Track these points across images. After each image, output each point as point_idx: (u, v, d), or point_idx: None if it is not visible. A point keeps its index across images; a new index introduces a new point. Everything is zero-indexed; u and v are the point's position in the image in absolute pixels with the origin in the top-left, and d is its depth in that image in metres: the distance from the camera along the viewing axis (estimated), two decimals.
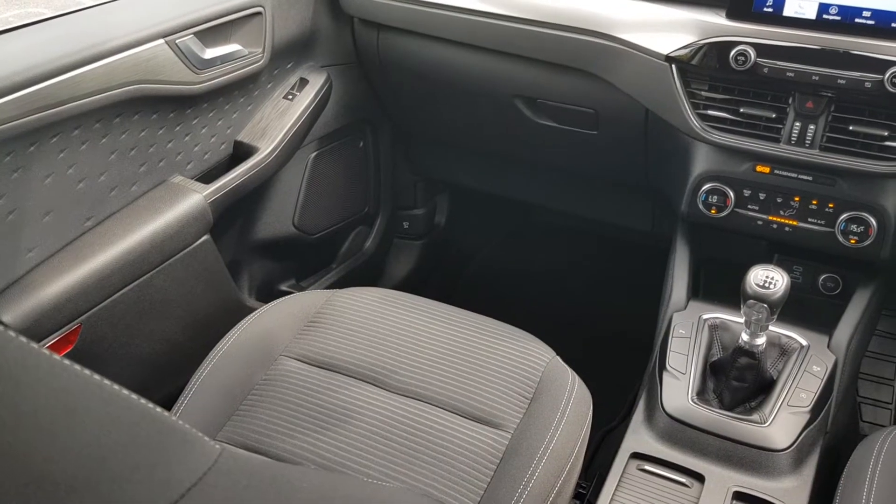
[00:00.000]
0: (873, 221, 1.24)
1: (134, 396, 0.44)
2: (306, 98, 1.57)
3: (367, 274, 2.00)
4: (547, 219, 2.26)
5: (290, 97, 1.55)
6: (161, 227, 1.28)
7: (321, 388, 1.14)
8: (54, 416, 0.39)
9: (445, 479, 1.01)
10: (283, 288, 1.77)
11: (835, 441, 1.24)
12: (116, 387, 0.43)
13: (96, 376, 0.43)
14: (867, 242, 1.26)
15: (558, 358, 1.20)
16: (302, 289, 1.80)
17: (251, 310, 1.30)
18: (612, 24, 1.36)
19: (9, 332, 0.39)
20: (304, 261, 1.83)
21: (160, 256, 1.29)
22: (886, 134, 1.18)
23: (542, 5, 1.43)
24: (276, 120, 1.52)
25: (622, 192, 1.76)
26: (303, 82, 1.58)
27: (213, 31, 1.33)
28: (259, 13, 1.41)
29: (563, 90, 1.49)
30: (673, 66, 1.29)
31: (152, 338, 1.33)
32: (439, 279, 2.19)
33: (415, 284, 2.04)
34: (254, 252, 1.66)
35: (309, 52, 1.61)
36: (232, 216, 1.54)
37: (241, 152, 1.49)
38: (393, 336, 1.21)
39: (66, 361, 0.41)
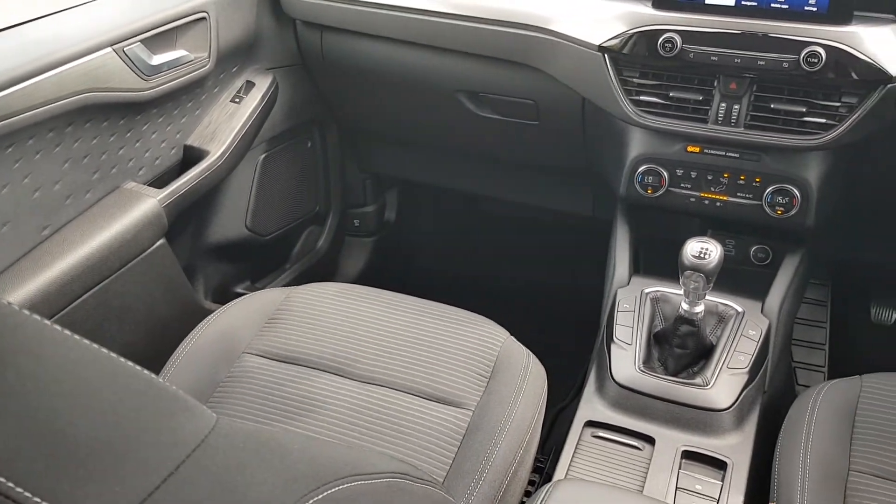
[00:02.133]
0: (797, 193, 1.33)
1: (138, 368, 0.48)
2: (253, 101, 1.60)
3: (321, 272, 2.03)
4: (494, 208, 2.32)
5: (238, 100, 1.58)
6: (118, 233, 1.30)
7: (286, 380, 1.17)
8: (72, 384, 0.42)
9: (412, 456, 1.06)
10: (239, 290, 1.79)
11: (773, 399, 1.32)
12: (122, 359, 0.47)
13: (104, 350, 0.47)
14: (792, 213, 1.34)
15: (513, 338, 1.25)
16: (257, 289, 1.82)
17: (209, 312, 1.32)
18: (547, 17, 1.42)
19: (24, 311, 0.43)
20: (258, 262, 1.85)
21: (118, 262, 1.31)
22: (805, 110, 1.27)
23: (480, 2, 1.48)
24: (225, 123, 1.55)
25: (564, 178, 1.82)
26: (249, 85, 1.61)
27: (159, 38, 1.35)
28: (203, 18, 1.43)
29: (504, 83, 1.54)
30: (605, 55, 1.36)
31: (113, 343, 1.34)
32: (393, 273, 2.23)
33: (369, 280, 2.07)
34: (209, 255, 1.67)
35: (254, 55, 1.64)
36: (186, 220, 1.55)
37: (192, 156, 1.50)
38: (353, 327, 1.25)
39: (77, 336, 0.45)
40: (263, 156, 1.74)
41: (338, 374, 1.17)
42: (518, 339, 1.26)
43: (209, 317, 1.29)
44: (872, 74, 1.21)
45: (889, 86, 1.21)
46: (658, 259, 1.46)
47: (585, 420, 1.23)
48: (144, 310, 1.40)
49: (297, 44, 1.73)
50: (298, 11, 1.65)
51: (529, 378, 1.18)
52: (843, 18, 1.24)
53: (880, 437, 1.06)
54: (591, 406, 1.25)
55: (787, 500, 1.02)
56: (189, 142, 1.51)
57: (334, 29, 1.65)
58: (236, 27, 1.54)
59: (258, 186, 1.74)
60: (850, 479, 1.02)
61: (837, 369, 1.66)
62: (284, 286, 1.54)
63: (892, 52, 1.21)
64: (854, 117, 1.24)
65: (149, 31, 1.33)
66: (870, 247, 1.68)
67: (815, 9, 1.24)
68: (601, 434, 1.21)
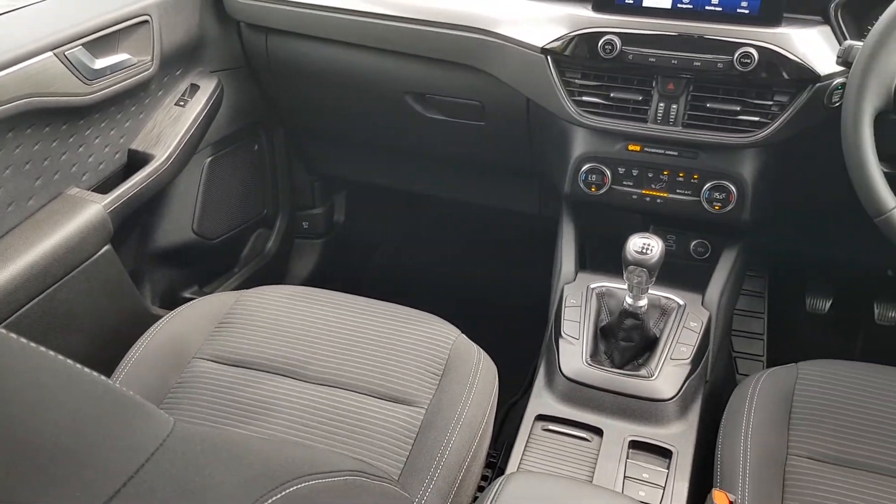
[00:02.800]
0: (733, 189, 1.38)
1: (95, 374, 0.49)
2: (198, 104, 1.59)
3: (271, 275, 2.02)
4: (442, 208, 2.34)
5: (182, 103, 1.57)
6: (62, 240, 1.28)
7: (237, 384, 1.17)
8: (31, 391, 0.43)
9: (367, 456, 1.07)
10: (187, 295, 1.78)
11: (715, 388, 1.37)
12: (79, 366, 0.48)
13: (60, 356, 0.47)
14: (729, 208, 1.39)
15: (464, 336, 1.27)
16: (206, 294, 1.81)
17: (157, 318, 1.31)
18: (492, 20, 1.45)
19: None
20: (206, 266, 1.84)
21: (63, 269, 1.29)
22: (739, 109, 1.32)
23: (426, 5, 1.50)
24: (170, 127, 1.53)
25: (510, 177, 1.85)
26: (193, 88, 1.60)
27: (101, 42, 1.33)
28: (146, 21, 1.42)
29: (451, 85, 1.56)
30: (548, 57, 1.39)
31: (59, 352, 1.31)
32: (343, 275, 2.23)
33: (319, 282, 2.07)
34: (156, 260, 1.66)
35: (198, 57, 1.63)
36: (131, 225, 1.54)
37: (136, 161, 1.49)
38: (304, 329, 1.25)
39: (32, 343, 0.46)
40: (209, 159, 1.73)
41: (290, 377, 1.18)
42: (469, 337, 1.28)
43: (157, 323, 1.28)
44: (802, 74, 1.26)
45: (818, 84, 1.26)
46: (603, 255, 1.49)
47: (536, 414, 1.25)
48: (91, 317, 1.38)
49: (242, 46, 1.72)
50: (242, 14, 1.65)
51: (480, 375, 1.20)
52: (774, 20, 1.29)
53: (816, 421, 1.11)
54: (541, 400, 1.28)
55: (730, 485, 1.06)
56: (133, 146, 1.50)
57: (279, 31, 1.65)
58: (179, 30, 1.53)
59: (205, 190, 1.72)
60: (789, 463, 1.07)
61: (775, 358, 1.72)
62: (234, 290, 1.54)
63: (821, 53, 1.27)
64: (786, 115, 1.29)
65: (91, 34, 1.31)
66: (804, 239, 1.75)
67: (747, 11, 1.29)
68: (551, 427, 1.23)
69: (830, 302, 1.94)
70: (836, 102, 1.25)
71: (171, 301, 1.70)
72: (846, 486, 1.03)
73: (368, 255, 2.37)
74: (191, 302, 1.35)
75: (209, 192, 1.74)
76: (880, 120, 1.11)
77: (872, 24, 1.10)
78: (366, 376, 1.18)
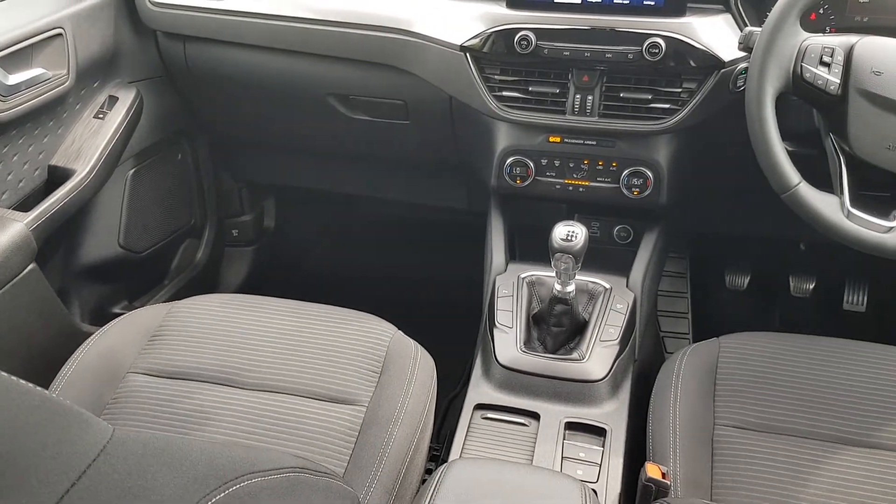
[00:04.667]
0: (650, 174, 1.44)
1: (31, 385, 0.49)
2: (118, 115, 1.56)
3: (202, 285, 2.00)
4: (373, 208, 2.35)
5: (101, 116, 1.54)
6: None
7: (175, 396, 1.16)
8: None
9: (310, 456, 1.08)
10: (117, 310, 1.75)
11: (644, 367, 1.42)
12: (13, 377, 0.48)
13: None
14: (647, 193, 1.45)
15: (401, 332, 1.29)
16: (136, 308, 1.78)
17: (88, 335, 1.29)
18: (410, 20, 1.47)
19: None
20: (135, 280, 1.81)
21: None
22: (650, 97, 1.37)
23: (345, 7, 1.51)
24: (90, 140, 1.51)
25: (438, 174, 1.87)
26: (112, 100, 1.58)
27: (14, 57, 1.31)
28: (59, 34, 1.39)
29: (374, 85, 1.58)
30: (467, 54, 1.42)
31: None
32: (277, 281, 2.22)
33: (253, 289, 2.06)
34: (83, 276, 1.63)
35: (115, 68, 1.61)
36: (56, 242, 1.51)
37: (57, 176, 1.46)
38: (239, 336, 1.25)
39: None
40: (132, 171, 1.70)
41: (228, 385, 1.18)
42: (406, 333, 1.30)
43: (88, 340, 1.26)
44: (707, 61, 1.32)
45: (723, 70, 1.33)
46: (532, 245, 1.53)
47: (474, 403, 1.28)
48: (18, 338, 1.35)
49: (160, 55, 1.70)
50: (159, 23, 1.63)
51: (419, 369, 1.22)
52: (678, 11, 1.34)
53: (738, 391, 1.17)
54: (479, 389, 1.30)
55: (662, 458, 1.11)
56: (53, 161, 1.47)
57: (198, 38, 1.63)
58: (94, 42, 1.51)
59: (129, 202, 1.70)
60: (716, 433, 1.12)
61: (700, 334, 1.79)
62: (165, 302, 1.52)
63: (724, 40, 1.33)
64: (694, 101, 1.35)
65: (3, 49, 1.28)
66: (720, 219, 1.82)
67: (653, 3, 1.35)
68: (490, 415, 1.26)
69: (749, 278, 2.02)
70: (740, 86, 1.32)
71: (101, 317, 1.67)
72: (770, 451, 1.09)
73: (301, 259, 2.36)
74: (121, 317, 1.33)
75: (134, 204, 1.71)
76: (782, 101, 1.17)
77: (770, 11, 1.16)
78: (305, 379, 1.19)
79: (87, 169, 1.47)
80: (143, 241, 1.77)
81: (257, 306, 1.32)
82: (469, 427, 1.25)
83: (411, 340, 1.28)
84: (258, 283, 2.15)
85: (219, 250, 2.09)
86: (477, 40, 1.40)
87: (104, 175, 1.53)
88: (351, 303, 1.35)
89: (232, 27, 1.58)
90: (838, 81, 1.14)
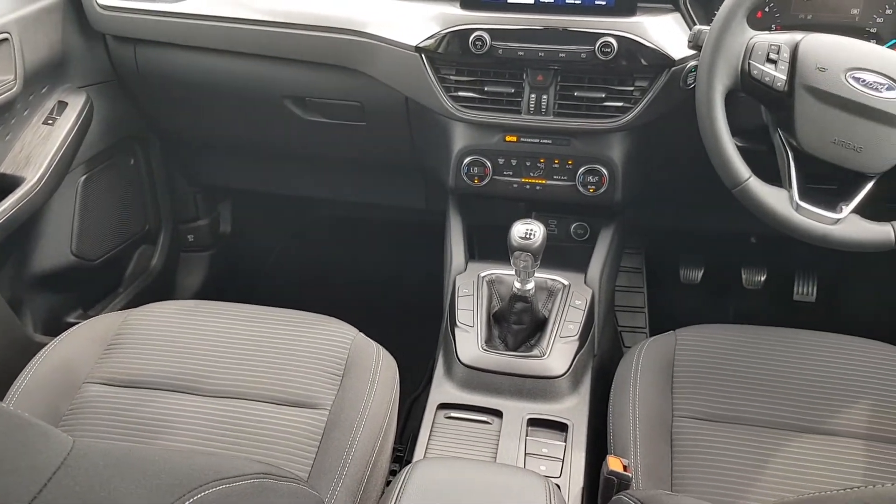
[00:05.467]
0: (605, 171, 1.46)
1: None
2: (67, 121, 1.54)
3: (158, 292, 1.97)
4: (331, 210, 2.34)
5: (51, 122, 1.51)
6: None
7: (133, 405, 1.15)
8: None
9: (273, 461, 1.07)
10: (71, 319, 1.72)
11: (603, 362, 1.44)
12: None
13: None
14: (602, 190, 1.47)
15: (362, 334, 1.29)
16: (91, 317, 1.75)
17: (41, 345, 1.26)
18: (365, 21, 1.47)
19: None
20: (89, 288, 1.78)
21: None
22: (604, 96, 1.39)
23: (299, 9, 1.50)
24: (39, 147, 1.48)
25: (396, 175, 1.87)
26: (62, 105, 1.55)
27: None
28: (6, 39, 1.36)
29: (329, 87, 1.57)
30: (422, 55, 1.42)
31: None
32: (235, 285, 2.20)
33: (210, 294, 2.04)
34: (35, 286, 1.59)
35: (64, 73, 1.58)
36: (6, 252, 1.48)
37: (6, 184, 1.43)
38: (198, 343, 1.24)
39: None
40: (84, 177, 1.67)
41: (187, 393, 1.17)
42: (367, 335, 1.30)
43: (42, 350, 1.24)
44: (658, 59, 1.35)
45: (673, 68, 1.35)
46: (491, 243, 1.54)
47: (437, 403, 1.28)
48: None
49: (110, 59, 1.68)
50: (108, 26, 1.60)
51: (381, 371, 1.22)
52: (629, 10, 1.37)
53: (695, 383, 1.19)
54: (442, 389, 1.31)
55: (623, 451, 1.13)
56: (2, 169, 1.44)
57: (148, 42, 1.61)
58: (42, 46, 1.48)
59: (81, 209, 1.67)
60: (675, 424, 1.15)
61: (657, 328, 1.82)
62: (120, 310, 1.50)
63: (674, 38, 1.36)
64: (646, 99, 1.37)
65: None
66: (673, 214, 1.86)
67: (604, 2, 1.37)
68: (453, 414, 1.27)
69: (702, 272, 2.06)
70: (690, 84, 1.35)
71: (55, 327, 1.64)
72: (727, 440, 1.12)
73: (259, 263, 2.34)
74: (76, 326, 1.31)
75: (86, 211, 1.68)
76: (731, 97, 1.20)
77: (718, 10, 1.19)
78: (266, 384, 1.18)
79: (37, 176, 1.44)
80: (96, 248, 1.74)
81: (215, 312, 1.31)
82: (432, 427, 1.25)
83: (373, 342, 1.28)
84: (215, 289, 2.13)
85: (174, 256, 2.06)
86: (432, 41, 1.41)
87: (55, 182, 1.50)
88: (311, 306, 1.35)
89: (184, 30, 1.56)
90: (785, 78, 1.17)
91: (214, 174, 2.02)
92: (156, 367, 1.20)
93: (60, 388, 1.18)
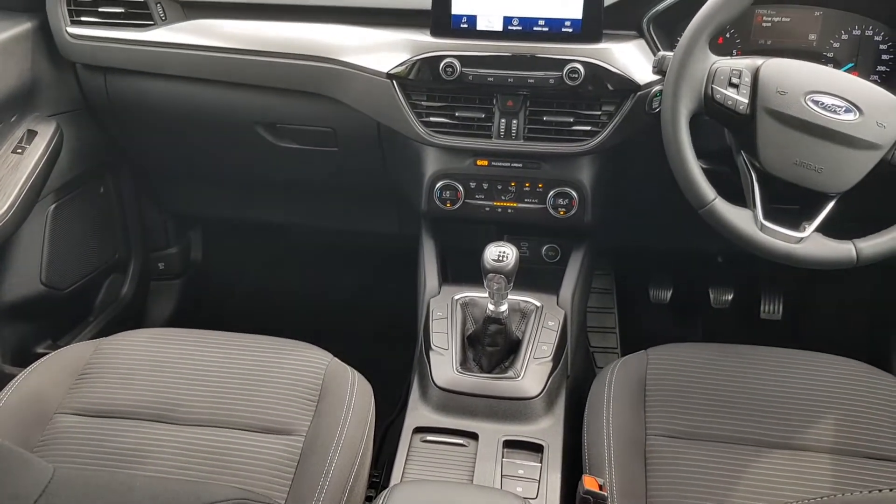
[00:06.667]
0: (574, 194, 1.48)
1: None
2: (37, 150, 1.53)
3: (129, 321, 1.95)
4: (303, 236, 2.34)
5: (20, 151, 1.50)
6: None
7: (106, 436, 1.13)
8: None
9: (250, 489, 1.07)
10: (41, 350, 1.69)
11: (577, 382, 1.45)
12: None
13: None
14: (572, 212, 1.49)
15: (336, 360, 1.29)
16: (61, 347, 1.73)
17: (11, 377, 1.25)
18: (337, 48, 1.48)
19: None
20: (58, 317, 1.76)
21: None
22: (572, 120, 1.42)
23: (270, 36, 1.51)
24: (8, 176, 1.47)
25: (368, 200, 1.88)
26: (31, 134, 1.54)
27: None
28: None
29: (301, 113, 1.58)
30: (394, 81, 1.44)
31: None
32: (206, 313, 2.18)
33: (182, 322, 2.02)
34: (3, 316, 1.57)
35: (33, 102, 1.57)
36: None
37: None
38: (170, 371, 1.23)
39: None
40: (53, 206, 1.66)
41: (161, 422, 1.16)
42: (342, 360, 1.29)
43: (11, 382, 1.22)
44: (624, 84, 1.38)
45: (639, 93, 1.38)
46: (464, 266, 1.55)
47: (413, 427, 1.28)
48: None
49: (80, 87, 1.67)
50: (77, 55, 1.60)
51: (356, 396, 1.22)
52: (594, 37, 1.40)
53: (667, 401, 1.21)
54: (417, 412, 1.31)
55: (598, 470, 1.14)
56: None
57: (119, 70, 1.61)
58: (11, 75, 1.47)
59: (51, 238, 1.66)
60: (648, 442, 1.16)
61: (628, 348, 1.84)
62: (91, 339, 1.49)
63: (639, 64, 1.39)
64: (613, 123, 1.40)
65: None
66: (642, 236, 1.88)
67: (570, 30, 1.40)
68: (429, 438, 1.26)
69: (671, 291, 2.09)
70: (655, 108, 1.38)
71: (24, 358, 1.62)
72: (699, 457, 1.13)
73: (230, 290, 2.33)
74: (46, 356, 1.29)
75: (55, 240, 1.67)
76: (695, 121, 1.23)
77: (680, 36, 1.22)
78: (240, 411, 1.17)
79: (7, 206, 1.43)
80: (66, 277, 1.72)
81: (187, 340, 1.30)
82: (409, 451, 1.24)
83: (348, 367, 1.28)
84: (187, 317, 2.11)
85: (145, 284, 2.05)
86: (403, 68, 1.43)
87: (24, 211, 1.49)
88: (284, 332, 1.35)
89: (154, 58, 1.56)
90: (746, 101, 1.20)
91: (185, 201, 2.02)
92: (129, 396, 1.19)
93: (31, 420, 1.16)
